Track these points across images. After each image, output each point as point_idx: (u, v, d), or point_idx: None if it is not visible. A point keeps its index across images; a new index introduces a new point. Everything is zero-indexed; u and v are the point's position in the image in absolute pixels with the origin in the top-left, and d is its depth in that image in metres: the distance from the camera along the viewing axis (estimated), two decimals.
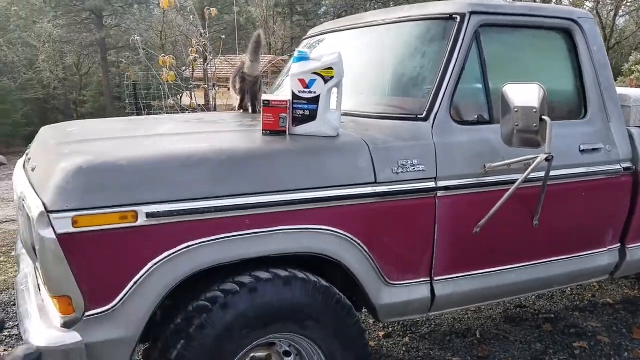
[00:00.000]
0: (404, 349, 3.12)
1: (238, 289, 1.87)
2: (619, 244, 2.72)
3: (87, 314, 1.70)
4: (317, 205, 1.99)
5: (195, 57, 5.67)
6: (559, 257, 2.54)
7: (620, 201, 2.62)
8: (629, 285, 4.00)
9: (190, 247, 1.81)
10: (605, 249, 2.66)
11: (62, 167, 1.73)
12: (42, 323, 1.77)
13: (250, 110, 2.89)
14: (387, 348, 3.14)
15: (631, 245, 2.73)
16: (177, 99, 6.83)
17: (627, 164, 2.60)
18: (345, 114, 2.32)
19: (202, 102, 6.41)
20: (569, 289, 3.92)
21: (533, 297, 3.79)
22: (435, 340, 3.21)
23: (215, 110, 5.85)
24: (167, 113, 6.03)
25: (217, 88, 5.87)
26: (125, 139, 2.16)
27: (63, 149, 1.94)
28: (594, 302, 3.74)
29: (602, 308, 3.65)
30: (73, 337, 1.67)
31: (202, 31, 5.64)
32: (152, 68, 6.64)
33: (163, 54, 5.44)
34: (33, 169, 2.06)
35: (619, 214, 2.64)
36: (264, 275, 1.92)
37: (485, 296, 2.45)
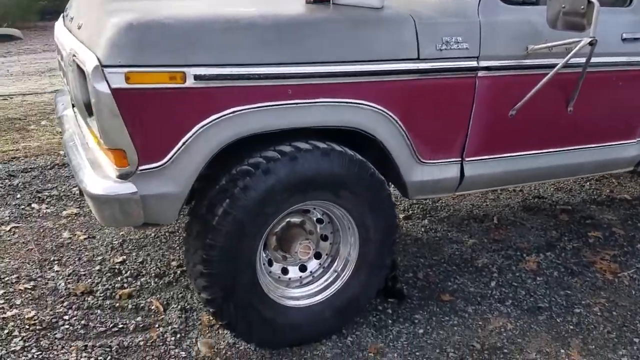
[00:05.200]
0: (423, 230, 3.27)
1: (279, 156, 1.94)
2: None
3: (140, 168, 1.79)
4: (358, 79, 2.00)
5: None
6: (590, 145, 2.57)
7: None
8: None
9: (236, 113, 1.85)
10: (635, 140, 2.68)
11: (114, 23, 1.73)
12: (96, 175, 1.88)
13: None
14: (407, 228, 3.29)
15: None
16: None
17: None
18: None
19: None
20: (588, 183, 4.00)
21: (551, 188, 3.88)
22: (453, 224, 3.35)
23: None
24: None
25: None
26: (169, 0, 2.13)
27: (109, 7, 1.93)
28: (612, 197, 3.83)
29: (619, 203, 3.74)
30: (129, 187, 1.77)
31: None
32: None
33: None
34: (79, 27, 2.06)
35: None
36: (303, 145, 1.98)
37: (513, 179, 2.53)
